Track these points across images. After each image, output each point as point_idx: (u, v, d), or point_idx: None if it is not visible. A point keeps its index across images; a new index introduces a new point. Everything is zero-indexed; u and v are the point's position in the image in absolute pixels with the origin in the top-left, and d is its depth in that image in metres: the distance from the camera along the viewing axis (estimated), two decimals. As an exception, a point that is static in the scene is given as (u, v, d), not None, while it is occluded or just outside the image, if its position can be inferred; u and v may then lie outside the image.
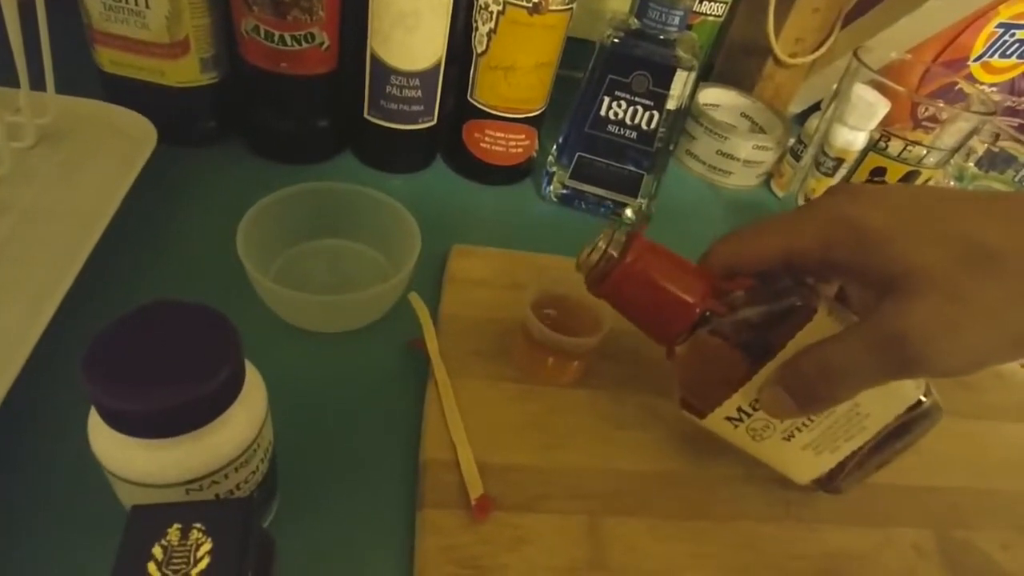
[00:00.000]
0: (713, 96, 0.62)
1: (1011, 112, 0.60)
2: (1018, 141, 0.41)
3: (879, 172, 0.41)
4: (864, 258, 0.24)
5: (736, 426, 0.29)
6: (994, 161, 0.42)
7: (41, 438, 0.28)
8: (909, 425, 0.28)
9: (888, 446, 0.28)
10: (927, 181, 0.42)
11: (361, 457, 0.30)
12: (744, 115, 0.62)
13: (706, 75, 0.66)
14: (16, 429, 0.27)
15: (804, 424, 0.28)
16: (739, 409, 0.28)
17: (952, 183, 0.45)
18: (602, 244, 0.29)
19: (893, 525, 0.32)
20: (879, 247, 0.23)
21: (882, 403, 0.27)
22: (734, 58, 0.64)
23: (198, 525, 0.16)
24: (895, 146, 0.40)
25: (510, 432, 0.31)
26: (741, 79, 0.63)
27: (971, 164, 0.43)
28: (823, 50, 0.60)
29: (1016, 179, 0.41)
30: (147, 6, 0.38)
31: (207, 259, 0.37)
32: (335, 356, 0.34)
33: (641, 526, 0.29)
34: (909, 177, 0.41)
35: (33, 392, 0.27)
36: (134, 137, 0.39)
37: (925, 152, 0.40)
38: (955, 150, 0.41)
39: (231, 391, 0.20)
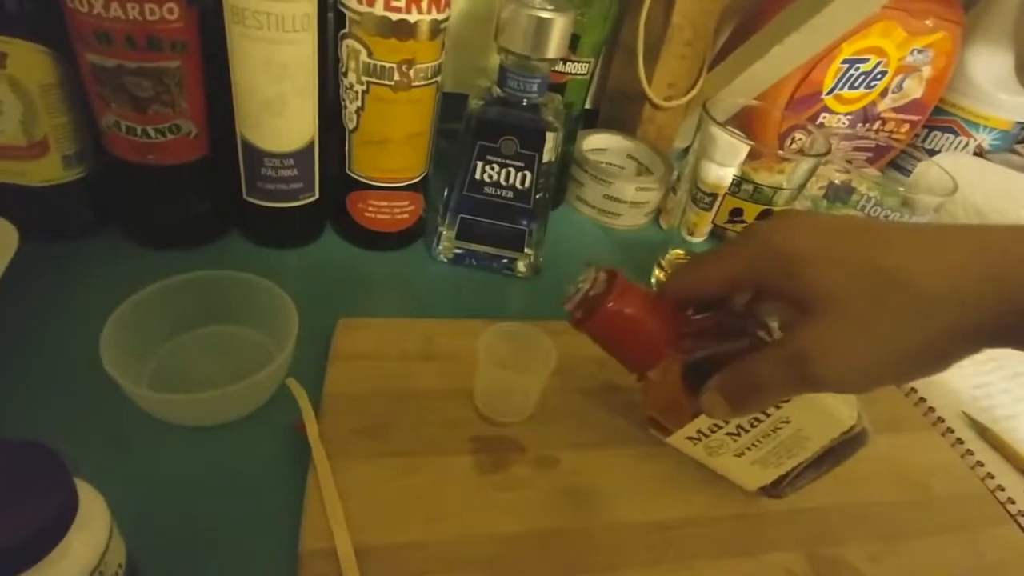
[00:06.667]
0: (600, 141, 0.65)
1: (861, 142, 0.66)
2: (847, 171, 0.45)
3: (738, 213, 0.45)
4: (787, 282, 0.26)
5: (695, 444, 0.34)
6: (838, 193, 0.46)
7: None
8: (842, 447, 0.32)
9: (824, 462, 0.33)
10: (780, 217, 0.45)
11: (244, 552, 0.30)
12: (631, 156, 0.65)
13: (592, 122, 0.70)
14: None
15: (755, 444, 0.32)
16: (699, 431, 0.33)
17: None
18: (584, 286, 0.30)
19: (765, 551, 0.34)
20: (799, 271, 0.25)
21: (820, 428, 0.31)
22: (616, 104, 0.68)
23: None
24: (746, 189, 0.44)
25: (392, 510, 0.32)
26: (625, 123, 0.66)
27: (823, 197, 0.47)
28: (694, 92, 0.64)
29: (859, 207, 0.45)
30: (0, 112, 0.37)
31: (85, 359, 0.36)
32: (218, 448, 0.34)
33: (523, 588, 0.30)
34: (764, 215, 0.44)
35: None
36: (-4, 242, 0.38)
37: (774, 192, 0.43)
38: (801, 187, 0.45)
39: (58, 526, 0.20)
